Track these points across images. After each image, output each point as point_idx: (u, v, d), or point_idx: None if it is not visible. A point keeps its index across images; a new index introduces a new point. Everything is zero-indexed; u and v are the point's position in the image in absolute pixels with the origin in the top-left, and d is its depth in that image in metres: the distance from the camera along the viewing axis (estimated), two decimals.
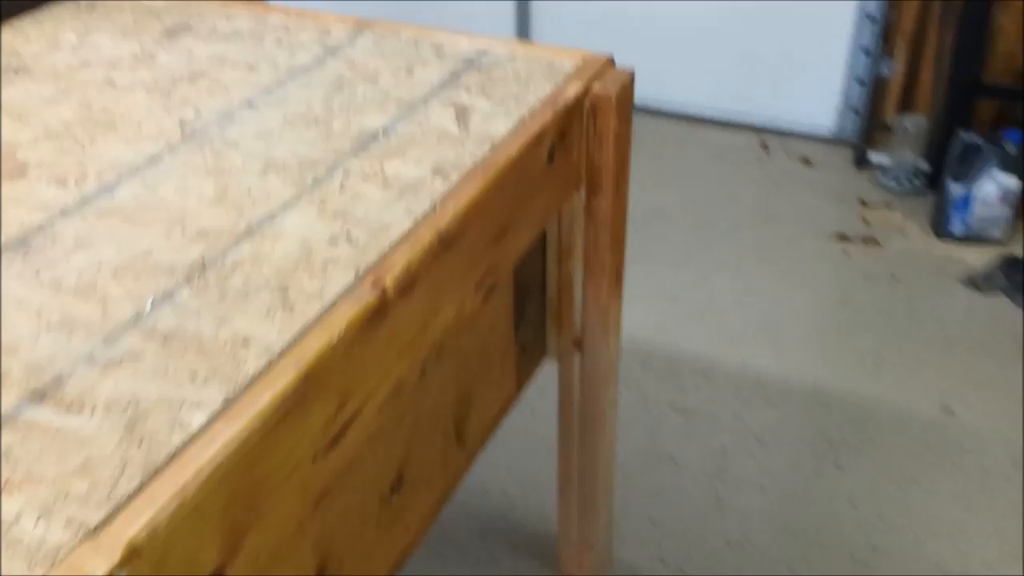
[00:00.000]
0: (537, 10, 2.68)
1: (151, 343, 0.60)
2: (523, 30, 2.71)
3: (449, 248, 0.74)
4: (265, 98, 0.93)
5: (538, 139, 0.87)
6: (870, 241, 2.12)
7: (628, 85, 0.96)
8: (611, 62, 1.00)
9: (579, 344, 1.13)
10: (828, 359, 1.77)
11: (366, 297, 0.65)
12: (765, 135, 2.56)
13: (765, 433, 1.61)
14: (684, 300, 1.93)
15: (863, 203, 2.26)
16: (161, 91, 0.94)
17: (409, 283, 0.68)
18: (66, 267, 0.67)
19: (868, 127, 2.39)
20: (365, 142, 0.85)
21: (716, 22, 2.49)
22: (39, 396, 0.56)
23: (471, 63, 1.00)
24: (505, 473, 1.54)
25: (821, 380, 1.72)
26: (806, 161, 2.44)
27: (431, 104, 0.92)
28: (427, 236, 0.72)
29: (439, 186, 0.78)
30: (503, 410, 1.05)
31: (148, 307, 0.62)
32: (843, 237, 2.13)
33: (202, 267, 0.67)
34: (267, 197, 0.77)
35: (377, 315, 0.65)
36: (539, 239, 1.05)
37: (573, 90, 0.93)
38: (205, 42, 1.05)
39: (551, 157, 0.90)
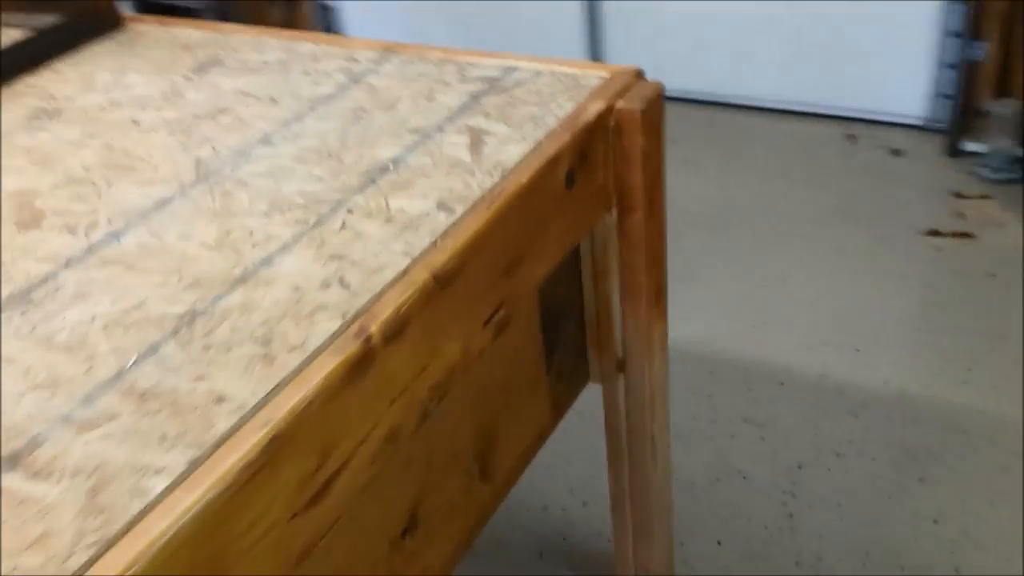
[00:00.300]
0: (609, 3, 2.63)
1: (128, 402, 0.59)
2: (594, 23, 2.66)
3: (447, 287, 0.71)
4: (282, 132, 0.93)
5: (553, 164, 0.83)
6: (964, 235, 2.00)
7: (655, 100, 0.91)
8: (639, 74, 0.96)
9: (622, 367, 1.09)
10: (914, 365, 1.67)
11: (348, 347, 0.63)
12: (851, 125, 2.44)
13: (843, 446, 1.53)
14: (759, 304, 1.86)
15: (957, 195, 2.13)
16: (183, 130, 0.95)
17: (399, 327, 0.66)
18: (61, 321, 0.67)
19: (961, 114, 2.25)
20: (374, 175, 0.83)
21: (795, 8, 2.39)
22: (13, 461, 0.56)
23: (493, 84, 0.97)
24: (564, 490, 1.51)
25: (906, 387, 1.62)
26: (895, 152, 2.32)
27: (446, 131, 0.89)
28: (422, 276, 0.69)
29: (442, 221, 0.76)
30: (538, 440, 1.01)
31: (129, 364, 0.62)
32: (934, 232, 2.01)
33: (191, 318, 0.67)
34: (267, 239, 0.76)
35: (360, 365, 0.63)
36: (573, 260, 1.02)
37: (595, 108, 0.89)
38: (233, 76, 1.05)
39: (570, 181, 0.86)
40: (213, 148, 0.91)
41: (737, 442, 1.56)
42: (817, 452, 1.52)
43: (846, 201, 2.14)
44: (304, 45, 1.11)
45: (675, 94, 2.64)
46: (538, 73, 0.98)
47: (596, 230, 1.00)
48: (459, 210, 0.77)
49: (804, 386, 1.65)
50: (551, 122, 0.88)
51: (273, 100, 0.99)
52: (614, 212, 0.97)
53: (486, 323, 0.78)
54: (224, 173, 0.87)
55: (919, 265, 1.92)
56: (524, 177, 0.80)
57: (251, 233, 0.77)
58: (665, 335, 1.09)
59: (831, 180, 2.23)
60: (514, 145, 0.85)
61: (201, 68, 1.08)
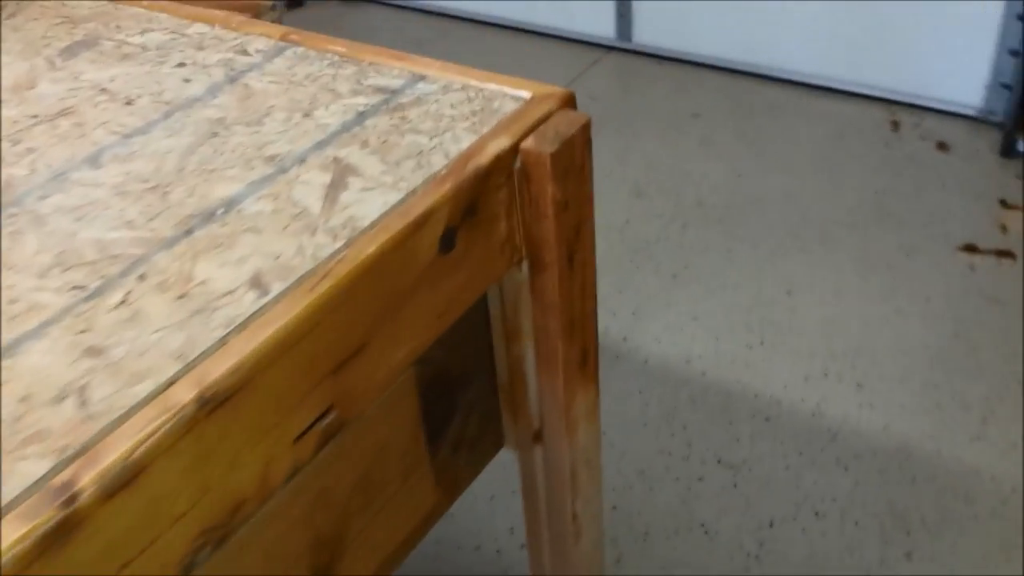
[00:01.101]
0: None
1: None
2: None
3: (227, 406, 0.54)
4: (118, 148, 0.75)
5: (421, 225, 0.65)
6: (1004, 254, 1.77)
7: (576, 138, 0.72)
8: (569, 100, 0.76)
9: (538, 438, 0.92)
10: (922, 410, 1.47)
11: (44, 509, 0.47)
12: (896, 110, 2.19)
13: (825, 503, 1.35)
14: (757, 319, 1.66)
15: (1003, 204, 1.89)
16: (10, 136, 0.78)
17: (130, 476, 0.50)
18: None
19: (1021, 107, 1.99)
20: (195, 224, 0.66)
21: None
22: None
23: (389, 98, 0.78)
24: (503, 529, 1.36)
25: (908, 438, 1.43)
26: (942, 146, 2.07)
27: (308, 163, 0.71)
28: (183, 397, 0.52)
29: (246, 305, 0.59)
30: (423, 525, 0.85)
31: None
32: (971, 248, 1.78)
33: None
34: (28, 312, 0.59)
35: (59, 534, 0.47)
36: (480, 316, 0.84)
37: (494, 148, 0.70)
38: (100, 63, 0.87)
39: (448, 243, 0.68)
40: (32, 166, 0.74)
41: (706, 486, 1.39)
42: (795, 508, 1.34)
43: (877, 200, 1.91)
44: (195, 26, 0.93)
45: (703, 60, 2.40)
46: (447, 88, 0.79)
47: (505, 284, 0.82)
48: (275, 289, 0.59)
49: (793, 425, 1.47)
50: (437, 162, 0.70)
51: (129, 101, 0.82)
52: (524, 267, 0.79)
53: (300, 437, 0.61)
54: (27, 204, 0.70)
55: (947, 286, 1.70)
56: (373, 246, 0.62)
57: (13, 301, 0.60)
58: (593, 404, 0.91)
59: (864, 174, 1.99)
60: (380, 193, 0.67)
61: (71, 51, 0.91)
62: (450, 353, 0.82)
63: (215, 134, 0.76)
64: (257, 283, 0.60)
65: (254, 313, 0.58)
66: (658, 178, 2.04)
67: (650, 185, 2.02)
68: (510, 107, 0.76)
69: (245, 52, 0.87)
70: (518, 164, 0.72)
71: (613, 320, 1.68)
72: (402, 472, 0.79)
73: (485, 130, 0.73)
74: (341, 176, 0.70)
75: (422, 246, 0.66)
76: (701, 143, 2.15)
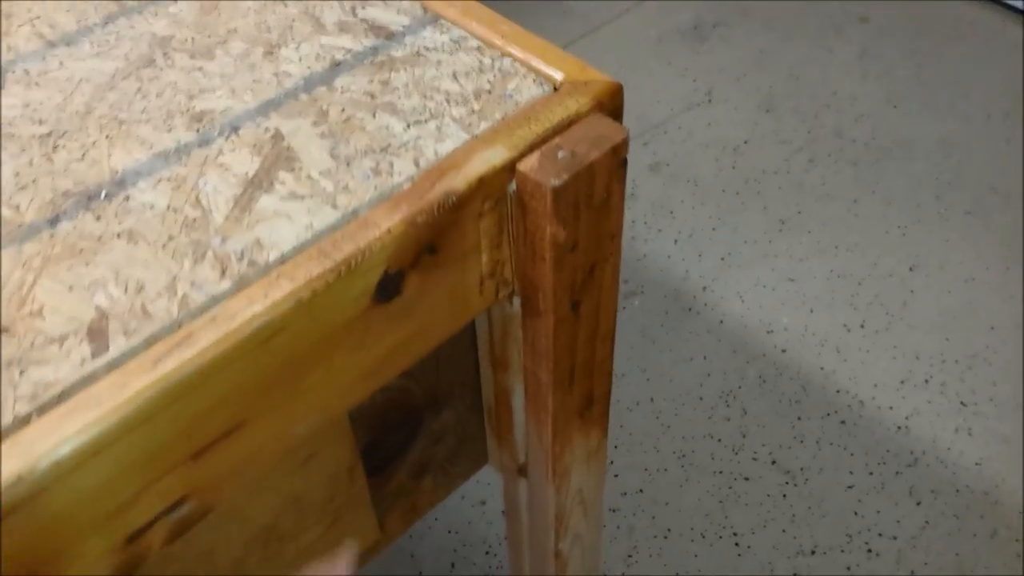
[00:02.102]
0: None
1: None
2: None
3: (12, 516, 0.40)
4: (30, 63, 0.59)
5: (348, 270, 0.47)
6: None
7: (595, 169, 0.52)
8: (611, 96, 0.55)
9: (523, 472, 0.76)
10: None
11: None
12: None
13: (884, 540, 1.16)
14: (867, 297, 1.42)
15: None
16: None
17: None
18: None
19: None
20: (67, 209, 0.50)
21: None
22: None
23: (380, 47, 0.59)
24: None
25: (1005, 482, 1.21)
26: None
27: (240, 135, 0.53)
28: None
29: (70, 368, 0.43)
30: (367, 554, 0.72)
31: None
32: None
33: None
34: None
35: None
36: (465, 331, 0.67)
37: (479, 165, 0.51)
38: None
39: (389, 290, 0.50)
40: None
41: (751, 489, 1.21)
42: (846, 538, 1.17)
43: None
44: None
45: None
46: (458, 44, 0.59)
47: (492, 311, 0.64)
48: (115, 349, 0.44)
49: (870, 436, 1.26)
50: (402, 169, 0.51)
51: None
52: (516, 303, 0.61)
53: (138, 535, 0.46)
54: None
55: None
56: (270, 298, 0.45)
57: None
58: (597, 447, 0.74)
59: (1007, 109, 1.66)
60: (309, 208, 0.49)
61: None
62: (413, 381, 0.66)
63: (151, 62, 0.58)
64: (97, 333, 0.45)
65: (76, 383, 0.43)
66: (796, 93, 1.75)
67: (785, 101, 1.74)
68: (527, 94, 0.55)
69: None
70: (513, 187, 0.52)
71: (697, 263, 1.47)
72: (330, 515, 0.65)
73: (481, 128, 0.53)
74: (272, 166, 0.52)
75: (347, 297, 0.48)
76: (861, 56, 1.82)
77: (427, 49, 0.58)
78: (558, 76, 0.56)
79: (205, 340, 0.44)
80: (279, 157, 0.52)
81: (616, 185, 0.54)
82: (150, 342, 0.44)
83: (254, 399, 0.47)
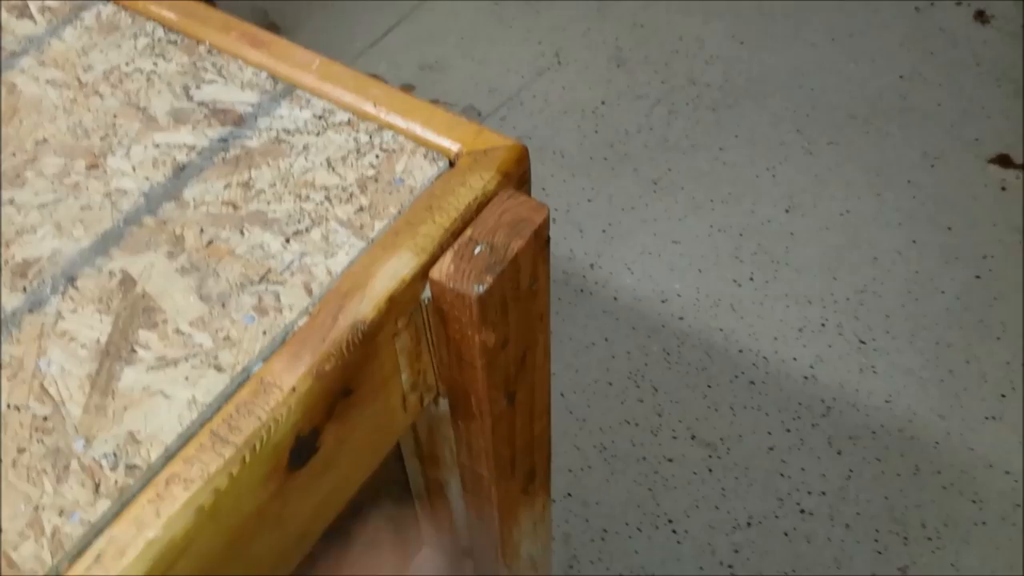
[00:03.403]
0: None
1: None
2: None
3: None
4: None
5: (249, 453, 0.38)
6: None
7: (519, 262, 0.44)
8: (518, 162, 0.47)
9: (469, 553, 0.69)
10: (936, 378, 1.26)
11: None
12: None
13: (814, 498, 1.16)
14: (750, 248, 1.40)
15: None
16: None
17: None
18: None
19: None
20: None
21: None
22: None
23: (230, 137, 0.49)
24: None
25: (916, 415, 1.22)
26: (981, 16, 1.74)
27: (78, 286, 0.43)
28: None
29: None
30: None
31: None
32: (1005, 161, 1.51)
33: None
34: None
35: None
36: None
37: (387, 280, 0.42)
38: None
39: (302, 455, 0.42)
40: None
41: (676, 470, 1.19)
42: (777, 503, 1.16)
43: (901, 88, 1.61)
44: None
45: None
46: (326, 120, 0.49)
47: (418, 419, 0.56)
48: None
49: (781, 392, 1.25)
50: (292, 302, 0.42)
51: None
52: (442, 403, 0.53)
53: None
54: None
55: (973, 211, 1.44)
56: (162, 516, 0.36)
57: None
58: (542, 513, 0.68)
59: (889, 50, 1.67)
60: (186, 377, 0.40)
61: None
62: None
63: None
64: None
65: None
66: (644, 43, 1.71)
67: (634, 52, 1.69)
68: (421, 176, 0.47)
69: (24, 11, 0.56)
70: (427, 295, 0.44)
71: (580, 240, 1.42)
72: None
73: (376, 231, 0.45)
74: (128, 324, 0.42)
75: (255, 483, 0.39)
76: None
77: (288, 132, 0.49)
78: (452, 147, 0.48)
79: None
80: (135, 310, 0.42)
81: (542, 268, 0.47)
82: None
83: None
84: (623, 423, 1.23)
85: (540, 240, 0.45)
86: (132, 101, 0.51)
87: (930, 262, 1.38)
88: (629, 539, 1.13)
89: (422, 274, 0.43)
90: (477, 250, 0.44)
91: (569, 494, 1.17)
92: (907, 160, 1.51)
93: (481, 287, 0.42)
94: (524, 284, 0.46)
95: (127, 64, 0.52)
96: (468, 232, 0.44)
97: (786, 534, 1.13)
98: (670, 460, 1.20)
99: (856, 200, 1.46)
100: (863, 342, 1.30)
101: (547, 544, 0.73)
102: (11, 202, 0.46)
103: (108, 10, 0.55)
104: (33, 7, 0.56)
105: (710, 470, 1.19)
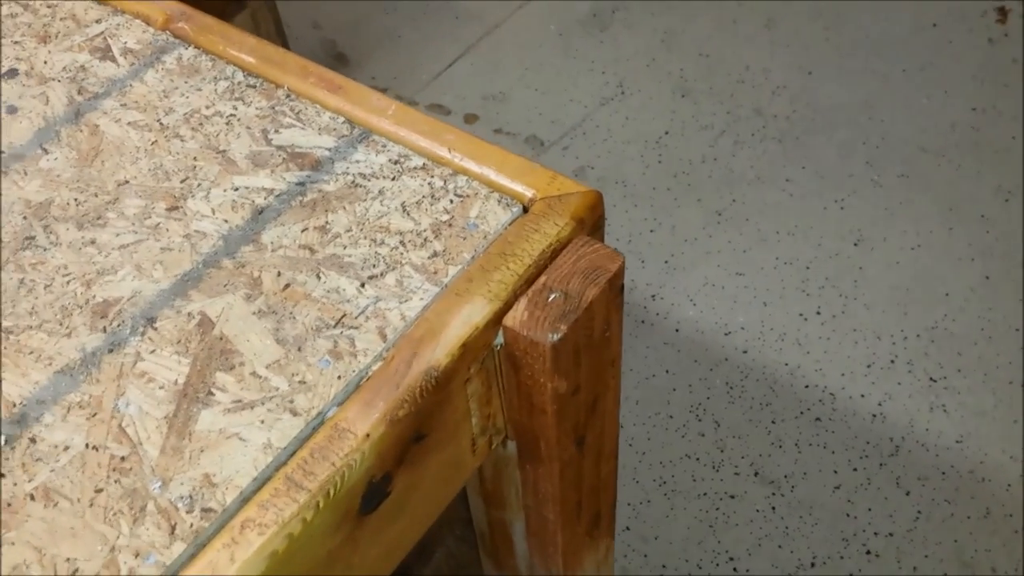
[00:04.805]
0: None
1: None
2: None
3: None
4: None
5: (323, 495, 0.39)
6: None
7: (594, 310, 0.44)
8: (592, 208, 0.47)
9: None
10: (1010, 421, 1.22)
11: None
12: None
13: (880, 540, 1.13)
14: (817, 281, 1.38)
15: None
16: None
17: None
18: None
19: None
20: None
21: None
22: None
23: (307, 182, 0.49)
24: None
25: (989, 458, 1.19)
26: None
27: (157, 328, 0.44)
28: None
29: None
30: None
31: None
32: None
33: None
34: None
35: None
36: None
37: (460, 328, 0.42)
38: None
39: (374, 500, 0.42)
40: None
41: (738, 507, 1.17)
42: (843, 544, 1.13)
43: (974, 121, 1.57)
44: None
45: None
46: (400, 165, 0.50)
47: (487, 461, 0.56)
48: None
49: (848, 430, 1.22)
50: (367, 347, 0.42)
51: None
52: (510, 446, 0.53)
53: None
54: None
55: None
56: (237, 558, 0.36)
57: None
58: (606, 554, 0.67)
59: (961, 83, 1.63)
60: (262, 420, 0.40)
61: None
62: None
63: (30, 241, 0.48)
64: None
65: None
66: (710, 72, 1.70)
67: (699, 82, 1.68)
68: (495, 221, 0.47)
69: (108, 53, 0.57)
70: (499, 341, 0.44)
71: (642, 271, 1.41)
72: None
73: (450, 276, 0.45)
74: (205, 367, 0.42)
75: (328, 527, 0.39)
76: (767, 25, 1.78)
77: (364, 177, 0.49)
78: (526, 192, 0.48)
79: None
80: (212, 352, 0.43)
81: (615, 315, 0.46)
82: None
83: None
84: (684, 457, 1.21)
85: (615, 288, 0.45)
86: (212, 144, 0.52)
87: (1004, 299, 1.34)
88: None
89: (495, 321, 0.43)
90: (551, 297, 0.43)
91: (628, 528, 1.15)
92: (980, 194, 1.47)
93: (555, 335, 0.42)
94: (598, 332, 0.46)
95: (207, 107, 0.53)
96: (542, 279, 0.44)
97: (851, 575, 1.10)
98: (732, 497, 1.18)
99: (927, 234, 1.42)
100: (934, 380, 1.26)
101: None
102: (93, 242, 0.47)
103: (189, 53, 0.57)
104: (115, 50, 0.57)
105: (773, 508, 1.16)
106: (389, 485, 0.42)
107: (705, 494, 1.18)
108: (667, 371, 1.30)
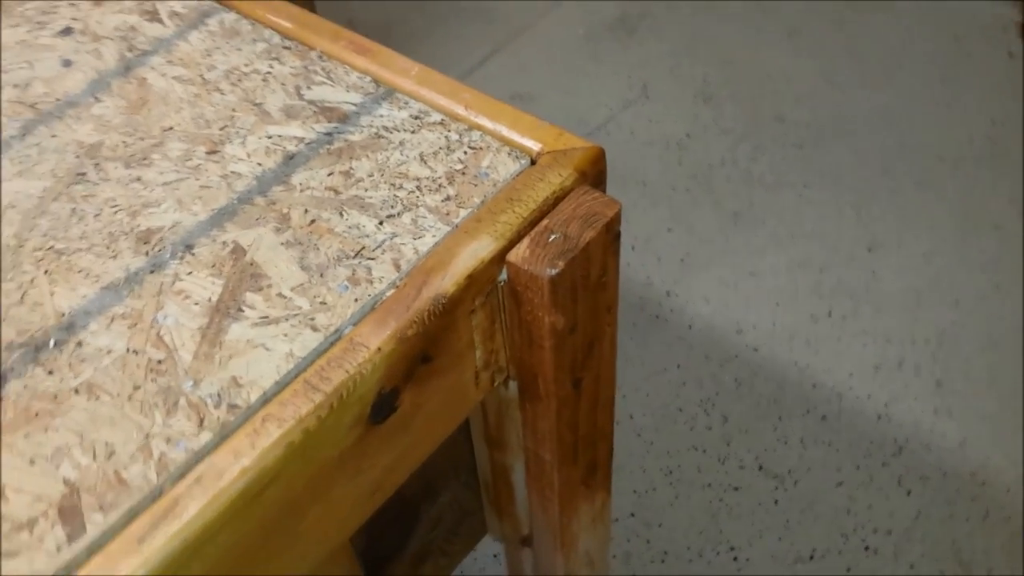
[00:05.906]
0: None
1: None
2: None
3: None
4: None
5: (339, 399, 0.43)
6: None
7: (590, 251, 0.48)
8: (594, 162, 0.51)
9: (527, 542, 0.73)
10: (1012, 427, 1.24)
11: None
12: None
13: (879, 536, 1.15)
14: (830, 284, 1.41)
15: None
16: None
17: None
18: None
19: None
20: (13, 365, 0.45)
21: None
22: None
23: (334, 132, 0.54)
24: None
25: (990, 461, 1.21)
26: None
27: (195, 254, 0.48)
28: None
29: (46, 559, 0.38)
30: None
31: None
32: None
33: None
34: None
35: None
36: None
37: (467, 260, 0.47)
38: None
39: (384, 410, 0.46)
40: None
41: (742, 499, 1.20)
42: (842, 539, 1.15)
43: (992, 133, 1.60)
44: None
45: None
46: (420, 119, 0.54)
47: (488, 400, 0.60)
48: (93, 529, 0.39)
49: (853, 429, 1.25)
50: (382, 275, 0.47)
51: None
52: (512, 386, 0.57)
53: None
54: None
55: None
56: (257, 447, 0.41)
57: None
58: (602, 509, 0.71)
59: (980, 95, 1.66)
60: (285, 333, 0.45)
61: None
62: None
63: (82, 176, 0.53)
64: (70, 512, 0.39)
65: None
66: (732, 78, 1.73)
67: (722, 88, 1.72)
68: (504, 171, 0.51)
69: (156, 16, 0.62)
70: (503, 278, 0.48)
71: (657, 268, 1.44)
72: None
73: (460, 217, 0.49)
74: (237, 287, 0.47)
75: (340, 428, 0.44)
76: (790, 33, 1.81)
77: (387, 129, 0.54)
78: (535, 147, 0.52)
79: (193, 507, 0.39)
80: (243, 275, 0.47)
81: (611, 260, 0.50)
82: (131, 516, 0.39)
83: (252, 554, 0.43)
84: (691, 449, 1.24)
85: (611, 233, 0.49)
86: (249, 98, 0.56)
87: (1013, 309, 1.36)
88: (689, 563, 1.14)
89: (500, 257, 0.47)
90: (552, 238, 0.48)
91: (632, 514, 1.19)
92: (995, 205, 1.50)
93: (553, 270, 0.46)
94: (594, 274, 0.50)
95: (246, 65, 0.58)
96: (544, 222, 0.48)
97: (848, 569, 1.13)
98: (736, 489, 1.21)
99: (940, 242, 1.45)
100: (940, 383, 1.29)
101: (605, 543, 0.75)
102: (139, 179, 0.52)
103: (231, 17, 0.62)
104: (163, 13, 0.62)
105: (776, 501, 1.19)
106: (397, 399, 0.46)
107: (709, 485, 1.21)
108: (678, 366, 1.33)
